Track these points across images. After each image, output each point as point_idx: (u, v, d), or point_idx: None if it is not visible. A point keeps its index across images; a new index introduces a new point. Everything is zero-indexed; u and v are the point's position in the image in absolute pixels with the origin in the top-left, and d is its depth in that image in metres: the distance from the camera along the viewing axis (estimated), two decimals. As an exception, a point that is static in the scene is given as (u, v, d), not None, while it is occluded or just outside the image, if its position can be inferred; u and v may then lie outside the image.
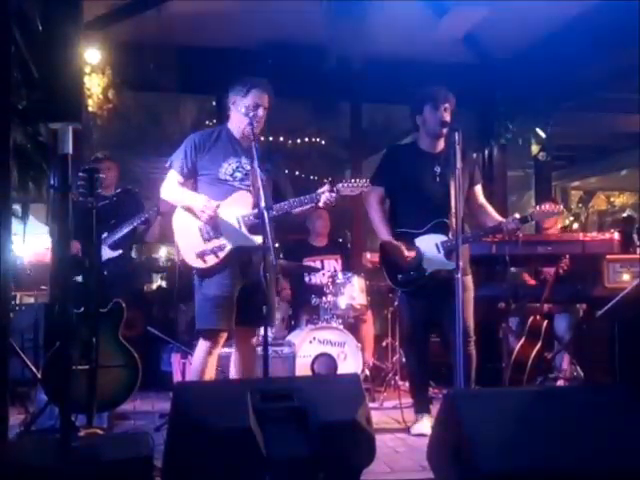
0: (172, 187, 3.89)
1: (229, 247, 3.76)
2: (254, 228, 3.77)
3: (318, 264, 6.01)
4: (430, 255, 4.12)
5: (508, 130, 6.86)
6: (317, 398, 2.76)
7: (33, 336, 5.33)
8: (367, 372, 5.41)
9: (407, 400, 4.58)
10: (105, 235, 4.83)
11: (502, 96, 6.86)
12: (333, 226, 6.30)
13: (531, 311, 5.29)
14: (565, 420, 2.59)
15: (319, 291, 5.55)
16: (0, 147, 3.33)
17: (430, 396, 4.56)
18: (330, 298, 5.42)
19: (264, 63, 6.21)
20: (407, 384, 4.74)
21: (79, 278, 4.03)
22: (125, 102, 5.91)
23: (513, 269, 5.16)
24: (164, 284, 8.95)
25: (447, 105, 4.17)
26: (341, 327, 5.32)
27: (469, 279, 4.17)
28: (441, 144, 4.27)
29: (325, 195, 3.77)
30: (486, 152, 7.26)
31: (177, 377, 5.13)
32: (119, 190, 5.15)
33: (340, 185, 3.81)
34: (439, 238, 4.11)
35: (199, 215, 3.76)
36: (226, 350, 4.38)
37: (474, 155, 4.62)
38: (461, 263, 3.56)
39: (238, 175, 3.84)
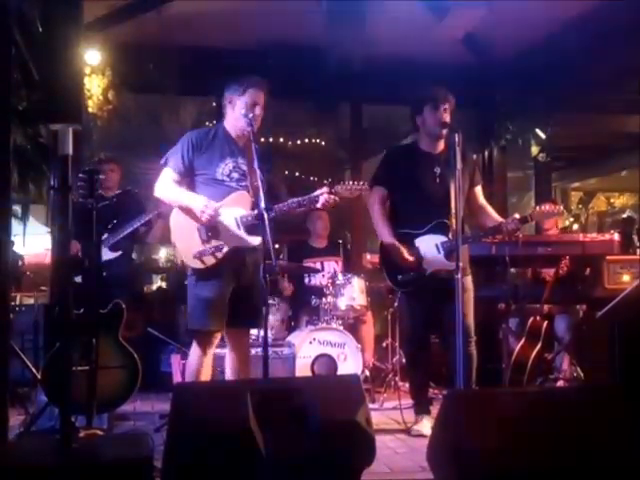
0: (167, 186, 3.84)
1: (227, 248, 3.75)
2: (252, 229, 3.76)
3: (318, 265, 6.01)
4: (430, 256, 4.13)
5: (508, 131, 6.87)
6: (317, 399, 2.76)
7: (33, 337, 5.34)
8: (367, 373, 5.41)
9: (407, 401, 4.59)
10: (105, 236, 4.83)
11: (502, 97, 6.87)
12: (333, 227, 6.30)
13: (531, 312, 5.30)
14: (565, 421, 2.59)
15: (319, 292, 5.54)
16: (0, 148, 3.32)
17: (430, 397, 4.56)
18: (330, 299, 5.41)
19: (264, 64, 6.21)
20: (407, 385, 4.74)
21: (78, 279, 4.04)
22: (125, 103, 5.92)
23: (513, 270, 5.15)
24: (164, 285, 8.96)
25: (447, 106, 4.17)
26: (341, 328, 5.32)
27: (469, 279, 4.17)
28: (441, 145, 4.27)
29: (323, 197, 3.75)
30: (486, 153, 7.27)
31: (177, 378, 5.13)
32: (119, 191, 5.15)
33: (338, 187, 3.79)
34: (439, 239, 4.11)
35: (199, 215, 3.73)
36: (225, 351, 4.37)
37: (474, 156, 4.61)
38: (461, 264, 3.57)
39: (235, 175, 3.82)
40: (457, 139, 3.66)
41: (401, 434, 4.26)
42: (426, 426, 4.13)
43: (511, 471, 2.41)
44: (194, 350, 3.79)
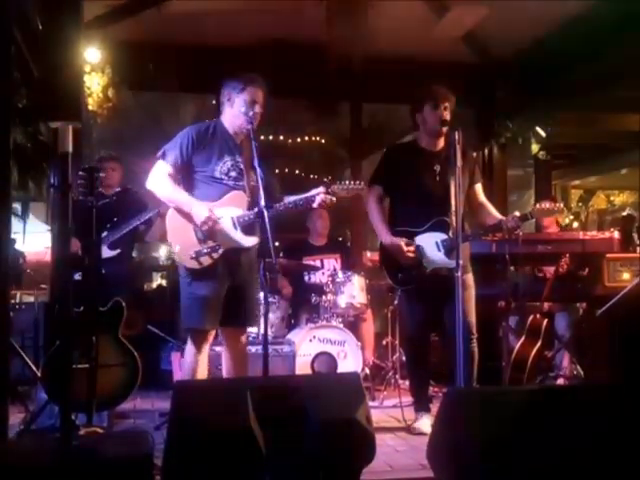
0: (163, 180, 3.76)
1: (223, 248, 3.71)
2: (249, 229, 3.76)
3: (318, 263, 6.01)
4: (430, 253, 4.12)
5: (508, 129, 6.86)
6: (317, 397, 2.76)
7: (33, 335, 5.34)
8: (367, 371, 5.41)
9: (407, 399, 4.58)
10: (105, 234, 4.83)
11: (502, 95, 6.86)
12: (333, 225, 6.30)
13: (531, 310, 5.30)
14: (564, 419, 2.59)
15: (319, 290, 5.54)
16: (0, 146, 3.32)
17: (430, 395, 4.57)
18: (330, 297, 5.41)
19: (264, 62, 6.20)
20: (407, 383, 4.74)
21: (78, 276, 4.03)
22: (125, 101, 5.90)
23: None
24: (164, 283, 8.96)
25: (447, 104, 4.16)
26: (341, 326, 5.32)
27: (470, 277, 4.17)
28: (441, 143, 4.27)
29: (320, 196, 3.75)
30: (486, 151, 7.26)
31: (177, 376, 5.13)
32: (119, 189, 5.15)
33: (335, 187, 3.78)
34: (439, 236, 4.11)
35: (200, 226, 3.67)
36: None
37: (474, 154, 4.60)
38: (461, 261, 3.57)
39: (233, 174, 3.78)
40: (457, 137, 3.67)
41: (401, 432, 4.26)
42: (426, 424, 4.13)
43: (511, 469, 2.41)
44: (189, 349, 3.78)
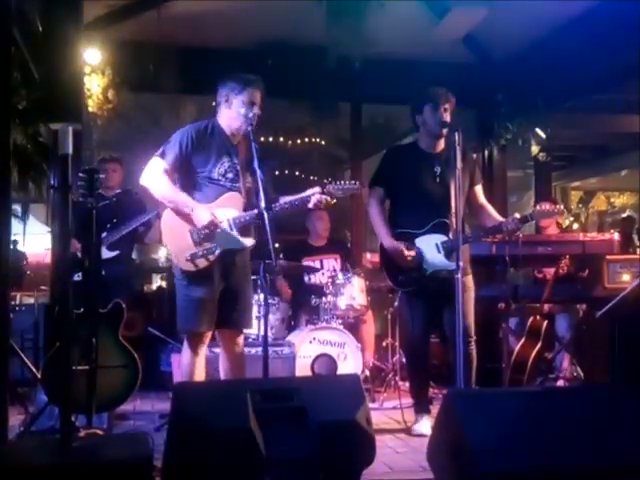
0: (160, 178, 3.70)
1: (220, 250, 3.69)
2: (244, 230, 3.75)
3: (317, 264, 6.01)
4: (430, 255, 4.12)
5: (508, 130, 6.86)
6: (317, 398, 2.76)
7: (33, 336, 5.34)
8: (367, 372, 5.41)
9: (407, 400, 4.58)
10: (104, 235, 4.82)
11: (502, 96, 6.86)
12: (333, 226, 6.30)
13: (531, 311, 5.30)
14: (565, 420, 2.59)
15: (319, 291, 5.54)
16: (0, 147, 3.32)
17: (430, 396, 4.56)
18: (330, 298, 5.41)
19: (264, 63, 6.21)
20: (407, 384, 4.74)
21: (77, 277, 4.03)
22: (125, 102, 5.90)
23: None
24: (164, 285, 8.95)
25: (447, 105, 4.16)
26: (341, 327, 5.32)
27: (469, 279, 4.17)
28: (441, 144, 4.27)
29: (315, 197, 3.74)
30: (486, 152, 7.27)
31: (177, 377, 5.12)
32: (119, 191, 5.15)
33: (330, 187, 3.77)
34: (439, 238, 4.11)
35: (199, 228, 3.66)
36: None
37: (474, 155, 4.61)
38: (461, 263, 3.57)
39: (230, 175, 3.76)
40: (457, 138, 3.66)
41: (401, 434, 4.26)
42: (426, 426, 4.13)
43: (511, 471, 2.40)
44: (185, 351, 3.76)
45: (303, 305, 5.74)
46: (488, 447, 2.43)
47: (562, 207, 4.37)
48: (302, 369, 5.04)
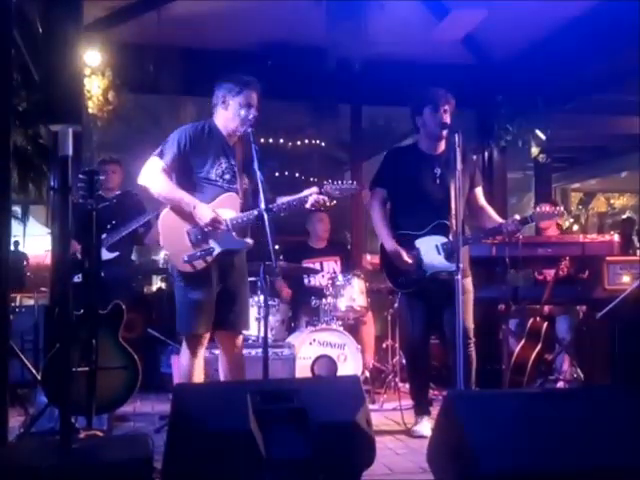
0: (160, 177, 3.68)
1: (217, 251, 3.68)
2: (242, 231, 3.75)
3: (317, 265, 6.01)
4: (430, 257, 4.13)
5: (508, 132, 6.86)
6: (317, 400, 2.76)
7: (33, 338, 5.33)
8: (367, 374, 5.40)
9: (407, 402, 4.58)
10: (104, 236, 4.82)
11: (502, 98, 6.86)
12: (333, 227, 6.30)
13: (531, 313, 5.30)
14: (565, 422, 2.59)
15: (319, 293, 5.54)
16: (0, 149, 3.32)
17: (430, 398, 4.57)
18: (330, 300, 5.41)
19: (264, 65, 6.21)
20: (407, 386, 4.73)
21: (77, 278, 4.03)
22: (125, 104, 5.90)
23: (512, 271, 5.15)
24: (164, 286, 8.95)
25: (447, 107, 4.16)
26: (341, 329, 5.32)
27: (469, 281, 4.17)
28: (441, 146, 4.27)
29: (313, 197, 3.73)
30: (486, 154, 7.26)
31: (177, 379, 5.12)
32: (119, 192, 5.14)
33: (328, 187, 3.77)
34: (439, 240, 4.11)
35: (204, 226, 3.64)
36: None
37: (474, 157, 4.61)
38: (461, 265, 3.57)
39: (227, 176, 3.75)
40: (457, 140, 3.66)
41: (401, 435, 4.26)
42: (426, 427, 4.13)
43: (511, 472, 2.40)
44: (184, 353, 3.75)
45: (303, 306, 5.74)
46: (488, 448, 2.44)
47: (562, 209, 4.37)
48: (302, 370, 5.04)
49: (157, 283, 9.66)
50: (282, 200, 3.74)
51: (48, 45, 4.49)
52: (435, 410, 3.93)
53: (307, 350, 5.17)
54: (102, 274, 4.00)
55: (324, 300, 5.42)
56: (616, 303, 4.50)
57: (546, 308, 5.48)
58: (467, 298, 4.07)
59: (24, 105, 5.12)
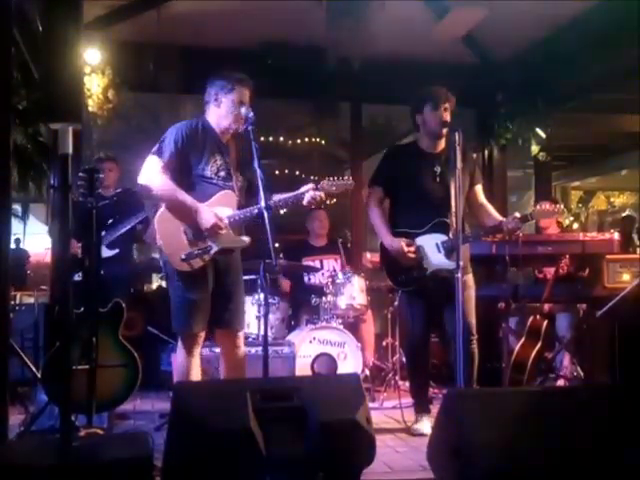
0: (161, 176, 3.65)
1: (214, 249, 3.67)
2: (238, 228, 3.74)
3: (317, 263, 6.01)
4: (431, 255, 4.12)
5: (508, 130, 6.86)
6: (317, 398, 2.77)
7: (33, 336, 5.34)
8: (367, 372, 5.41)
9: (407, 400, 4.59)
10: (103, 234, 4.82)
11: (502, 96, 6.87)
12: (333, 226, 6.29)
13: (531, 311, 5.29)
14: (565, 420, 2.59)
15: (319, 291, 5.54)
16: (0, 147, 3.32)
17: (430, 396, 4.57)
18: (330, 298, 5.41)
19: (264, 63, 6.21)
20: (407, 384, 4.74)
21: (77, 277, 4.03)
22: (125, 102, 5.90)
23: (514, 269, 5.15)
24: (164, 284, 8.94)
25: (447, 105, 4.16)
26: (341, 327, 5.32)
27: (470, 277, 4.17)
28: (441, 144, 4.27)
29: (309, 194, 3.74)
30: (486, 152, 7.27)
31: (176, 377, 5.12)
32: (119, 190, 5.15)
33: (323, 183, 3.77)
34: (439, 238, 4.10)
35: (202, 226, 3.62)
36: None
37: (474, 155, 4.61)
38: (462, 262, 3.57)
39: (222, 174, 3.74)
40: (457, 138, 3.66)
41: (401, 433, 4.26)
42: (426, 425, 4.13)
43: (511, 470, 2.41)
44: (180, 352, 3.73)
45: (303, 305, 5.74)
46: (488, 446, 2.44)
47: (562, 206, 4.36)
48: (302, 369, 5.04)
49: (157, 281, 9.64)
50: (279, 197, 3.74)
51: (48, 44, 4.49)
52: (435, 408, 3.92)
53: (307, 348, 5.17)
54: (102, 272, 3.99)
55: (324, 298, 5.42)
56: (616, 301, 4.50)
57: (546, 306, 5.49)
58: (468, 294, 4.07)
59: (24, 103, 5.12)
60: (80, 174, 3.47)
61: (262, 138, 8.27)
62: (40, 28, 4.72)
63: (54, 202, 5.03)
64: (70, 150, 2.76)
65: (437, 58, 6.57)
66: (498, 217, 4.21)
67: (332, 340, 5.21)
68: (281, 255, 5.71)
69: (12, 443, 3.35)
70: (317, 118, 7.33)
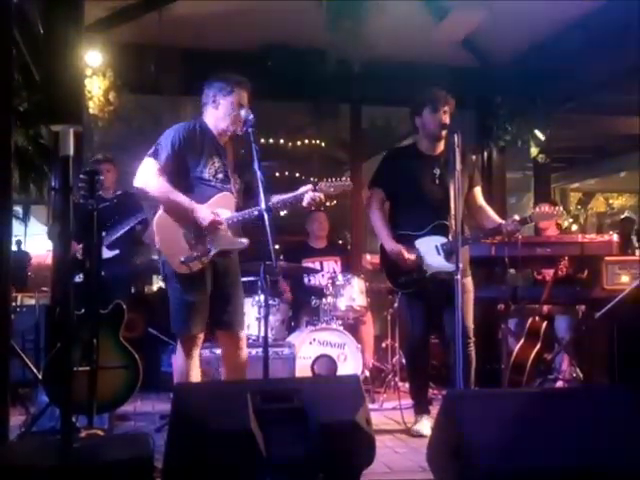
0: (157, 178, 3.63)
1: (213, 252, 3.67)
2: (237, 230, 3.74)
3: (317, 265, 6.01)
4: (430, 257, 4.13)
5: (507, 132, 6.87)
6: (317, 399, 2.76)
7: (34, 337, 5.35)
8: (367, 373, 5.41)
9: (407, 401, 4.59)
10: (103, 235, 4.82)
11: (501, 98, 6.87)
12: (333, 227, 6.30)
13: (530, 312, 5.30)
14: (564, 421, 2.59)
15: (319, 292, 5.54)
16: (1, 149, 3.33)
17: (430, 397, 4.57)
18: (330, 299, 5.41)
19: (264, 65, 6.22)
20: (407, 385, 4.74)
21: (78, 278, 4.04)
22: (126, 104, 5.91)
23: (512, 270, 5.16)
24: (164, 285, 8.93)
25: (446, 107, 4.17)
26: (341, 328, 5.32)
27: (469, 281, 4.17)
28: (441, 146, 4.27)
29: (308, 195, 3.74)
30: (485, 154, 7.27)
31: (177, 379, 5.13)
32: (120, 192, 5.15)
33: (322, 184, 3.77)
34: (439, 240, 4.11)
35: (200, 222, 3.61)
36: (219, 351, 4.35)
37: (473, 157, 4.61)
38: (461, 265, 3.58)
39: (220, 176, 3.74)
40: (456, 140, 3.67)
41: (401, 434, 4.27)
42: (426, 426, 4.14)
43: (510, 472, 2.41)
44: (179, 354, 3.73)
45: (303, 306, 5.74)
46: (487, 448, 2.44)
47: (561, 209, 4.37)
48: (302, 370, 5.04)
49: (158, 282, 9.64)
50: (277, 199, 3.73)
51: (49, 45, 4.51)
52: (435, 409, 3.93)
53: (307, 349, 5.17)
54: (102, 273, 4.00)
55: (324, 300, 5.43)
56: (615, 303, 4.51)
57: (545, 308, 5.49)
58: (467, 298, 4.07)
59: (25, 105, 5.12)
60: (81, 176, 3.47)
61: (262, 140, 8.29)
62: (41, 30, 4.73)
63: (55, 204, 5.03)
64: (71, 152, 2.76)
65: (436, 60, 6.58)
66: (497, 219, 4.22)
67: (332, 341, 5.22)
68: (281, 257, 5.72)
69: (13, 444, 3.35)
70: (317, 120, 7.32)
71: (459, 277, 3.54)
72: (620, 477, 2.47)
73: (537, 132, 6.72)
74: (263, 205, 3.48)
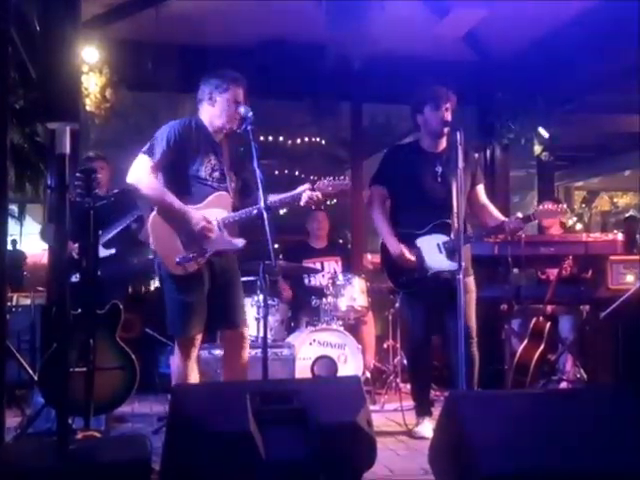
0: (150, 177, 3.57)
1: (208, 252, 3.63)
2: (232, 231, 3.71)
3: (318, 265, 5.98)
4: (432, 256, 4.10)
5: (510, 130, 6.83)
6: (317, 400, 2.75)
7: (30, 338, 5.32)
8: (368, 374, 5.38)
9: (408, 402, 4.56)
10: (99, 233, 4.78)
11: (504, 96, 6.83)
12: (333, 227, 6.26)
13: (534, 312, 5.27)
14: (568, 422, 2.57)
15: (319, 293, 5.51)
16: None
17: (431, 398, 4.54)
18: (330, 299, 5.38)
19: (263, 62, 6.18)
20: (408, 386, 4.72)
21: (74, 278, 4.01)
22: (123, 101, 5.87)
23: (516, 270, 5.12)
24: (160, 286, 8.91)
25: (448, 105, 4.14)
26: (341, 329, 5.29)
27: (471, 280, 4.14)
28: (443, 144, 4.24)
29: (306, 194, 3.71)
30: (488, 152, 7.23)
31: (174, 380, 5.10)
32: (116, 190, 5.10)
33: (320, 183, 3.76)
34: (441, 238, 4.08)
35: (194, 227, 3.57)
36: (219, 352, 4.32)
37: (476, 155, 4.58)
38: (463, 264, 3.53)
39: (216, 175, 3.70)
40: (459, 138, 3.63)
41: (402, 436, 4.25)
42: (427, 428, 4.11)
43: (513, 473, 2.38)
44: (177, 355, 3.69)
45: (303, 306, 5.71)
46: (490, 449, 2.42)
47: (565, 206, 4.33)
48: (302, 371, 5.01)
49: (155, 283, 9.62)
50: (275, 198, 3.69)
51: (45, 42, 4.45)
52: (436, 411, 3.90)
53: (307, 350, 5.14)
54: (99, 272, 3.96)
55: (324, 300, 5.40)
56: (619, 303, 4.47)
57: (549, 308, 5.46)
58: (469, 298, 4.04)
59: (21, 103, 5.10)
60: (77, 174, 3.44)
61: (262, 138, 8.25)
62: (37, 27, 4.68)
63: (51, 203, 5.00)
64: (67, 150, 2.74)
65: (438, 57, 6.55)
66: (500, 217, 4.19)
67: (332, 342, 5.18)
68: (281, 256, 5.68)
69: (9, 446, 3.33)
70: (317, 117, 7.29)
71: (461, 276, 3.50)
72: (624, 478, 2.44)
73: (541, 130, 6.68)
74: (262, 204, 3.44)
